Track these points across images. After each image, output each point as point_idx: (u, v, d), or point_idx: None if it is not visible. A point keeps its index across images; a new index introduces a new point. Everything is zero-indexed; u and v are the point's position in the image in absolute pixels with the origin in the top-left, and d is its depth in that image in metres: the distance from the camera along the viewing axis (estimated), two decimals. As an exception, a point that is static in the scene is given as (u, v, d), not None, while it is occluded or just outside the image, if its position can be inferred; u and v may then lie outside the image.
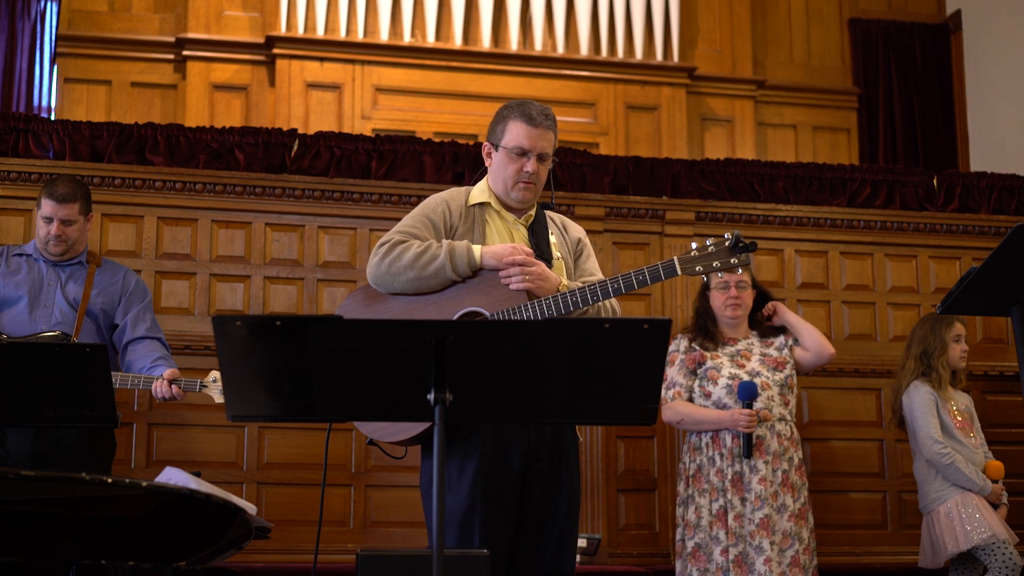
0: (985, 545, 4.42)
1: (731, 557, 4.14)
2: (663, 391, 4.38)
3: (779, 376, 4.30)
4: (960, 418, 4.64)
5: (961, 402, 4.70)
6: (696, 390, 4.34)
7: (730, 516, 4.17)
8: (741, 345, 4.38)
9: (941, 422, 4.57)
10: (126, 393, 4.70)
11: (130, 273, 4.28)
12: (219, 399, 3.95)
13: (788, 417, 4.31)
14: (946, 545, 4.48)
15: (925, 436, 4.56)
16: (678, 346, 4.41)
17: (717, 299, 4.38)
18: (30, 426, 3.65)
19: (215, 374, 3.96)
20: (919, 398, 4.60)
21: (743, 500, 4.18)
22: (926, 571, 4.68)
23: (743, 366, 4.31)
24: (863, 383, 5.32)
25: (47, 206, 4.08)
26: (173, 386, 3.92)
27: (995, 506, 4.51)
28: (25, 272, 4.11)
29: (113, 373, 3.88)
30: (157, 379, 3.94)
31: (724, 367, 4.30)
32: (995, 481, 4.54)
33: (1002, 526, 4.45)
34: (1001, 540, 4.41)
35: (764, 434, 4.23)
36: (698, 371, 4.35)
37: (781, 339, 4.41)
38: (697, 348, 4.36)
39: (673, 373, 4.37)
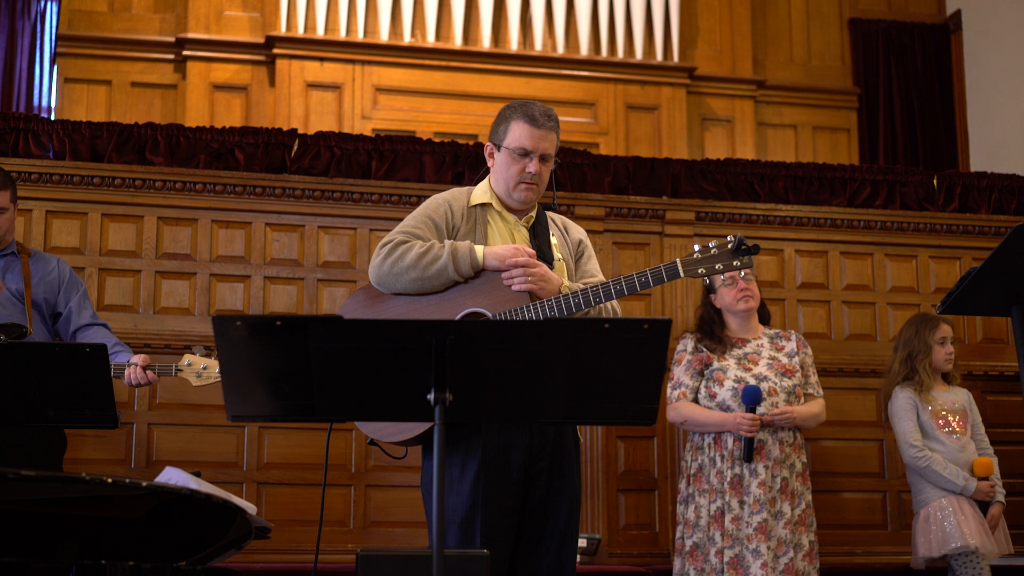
0: (956, 555, 4.43)
1: (726, 559, 4.13)
2: (669, 390, 4.38)
3: (787, 383, 4.29)
4: (946, 418, 4.59)
5: (950, 401, 4.65)
6: (702, 391, 4.33)
7: (727, 518, 4.16)
8: (750, 347, 4.36)
9: (921, 425, 4.57)
10: (126, 393, 4.70)
11: (62, 262, 4.20)
12: (196, 382, 3.82)
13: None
14: (918, 548, 4.50)
15: (902, 441, 4.58)
16: (685, 346, 4.41)
17: (727, 296, 4.36)
18: (29, 426, 3.63)
19: (189, 357, 3.84)
20: (897, 404, 4.62)
21: (741, 503, 4.17)
22: (924, 571, 4.69)
23: (750, 369, 4.29)
24: (863, 383, 5.32)
25: None
26: (148, 372, 3.82)
27: (987, 504, 4.48)
28: None
29: None
30: (129, 366, 3.82)
31: (731, 369, 4.29)
32: (985, 478, 4.49)
33: (980, 535, 4.39)
34: (972, 550, 4.38)
35: (766, 439, 4.22)
36: (705, 372, 4.34)
37: (793, 345, 4.40)
38: (704, 350, 4.35)
39: (680, 373, 4.37)
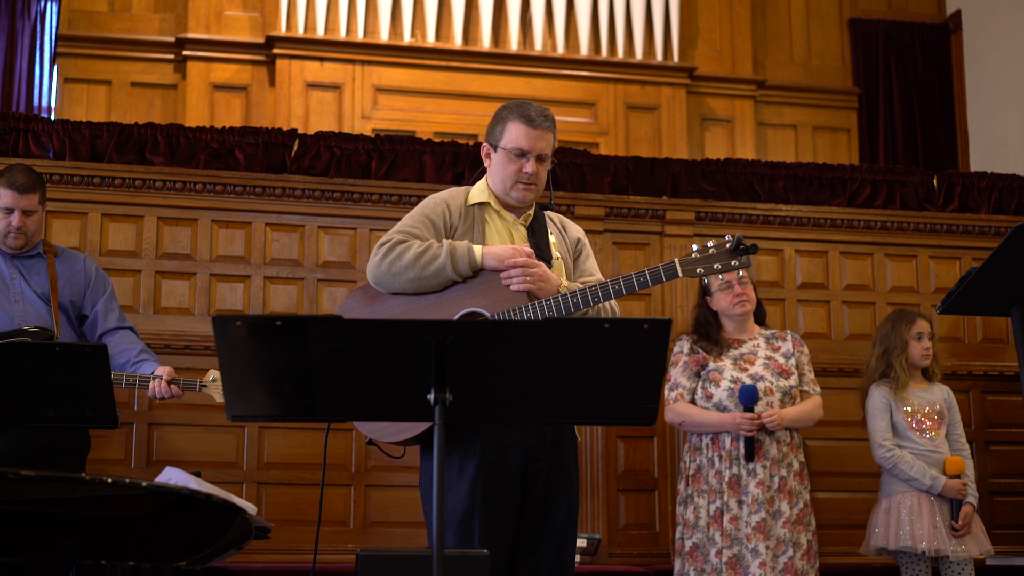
0: (899, 553, 4.47)
1: (725, 559, 4.14)
2: (666, 392, 4.38)
3: (783, 383, 4.29)
4: (919, 418, 4.57)
5: (926, 400, 4.61)
6: (698, 392, 4.33)
7: (726, 518, 4.17)
8: (746, 348, 4.36)
9: (893, 424, 4.56)
10: (126, 393, 4.69)
11: (89, 260, 4.16)
12: (219, 399, 3.83)
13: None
14: (873, 537, 4.52)
15: (871, 440, 4.59)
16: (682, 348, 4.41)
17: (723, 301, 4.37)
18: (28, 426, 3.63)
19: (214, 373, 3.86)
20: (871, 402, 4.62)
21: (740, 503, 4.18)
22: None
23: (746, 370, 4.30)
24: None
25: (7, 196, 3.91)
26: (172, 386, 3.84)
27: (959, 502, 4.46)
28: None
29: None
30: (154, 379, 3.84)
31: (727, 370, 4.30)
32: (956, 476, 4.45)
33: (932, 537, 4.39)
34: (918, 553, 4.41)
35: (763, 439, 4.22)
36: (701, 373, 4.35)
37: (789, 346, 4.40)
38: (700, 351, 4.36)
39: (676, 374, 4.37)
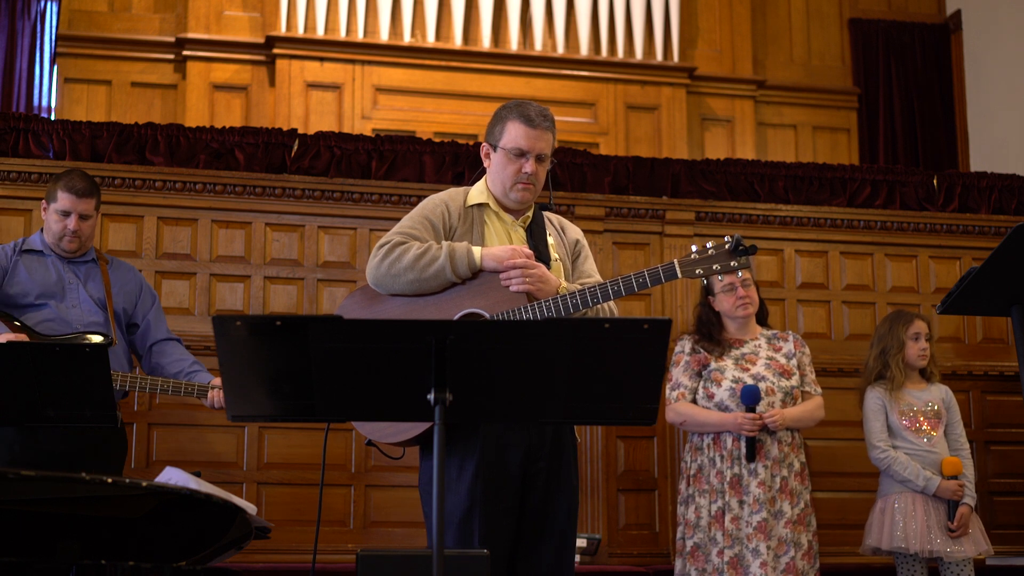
0: (895, 553, 4.48)
1: (726, 559, 4.14)
2: (667, 391, 4.38)
3: (785, 383, 4.29)
4: (916, 418, 4.56)
5: (923, 400, 4.59)
6: (700, 391, 4.33)
7: (727, 518, 4.17)
8: (748, 348, 4.36)
9: (889, 425, 4.56)
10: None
11: (137, 271, 4.24)
12: None
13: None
14: (869, 536, 4.53)
15: (867, 441, 4.59)
16: (683, 347, 4.41)
17: (726, 303, 4.36)
18: (31, 426, 3.64)
19: None
20: (867, 404, 4.62)
21: (741, 503, 4.18)
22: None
23: (748, 370, 4.29)
24: (863, 383, 5.31)
25: (66, 200, 3.95)
26: None
27: (955, 503, 4.45)
28: (40, 269, 3.99)
29: (164, 380, 3.93)
30: (212, 388, 3.91)
31: (728, 370, 4.30)
32: (953, 477, 4.45)
33: (925, 539, 4.39)
34: (911, 554, 4.43)
35: (764, 439, 4.22)
36: (703, 373, 4.34)
37: (791, 346, 4.40)
38: (701, 351, 4.36)
39: (678, 374, 4.37)
